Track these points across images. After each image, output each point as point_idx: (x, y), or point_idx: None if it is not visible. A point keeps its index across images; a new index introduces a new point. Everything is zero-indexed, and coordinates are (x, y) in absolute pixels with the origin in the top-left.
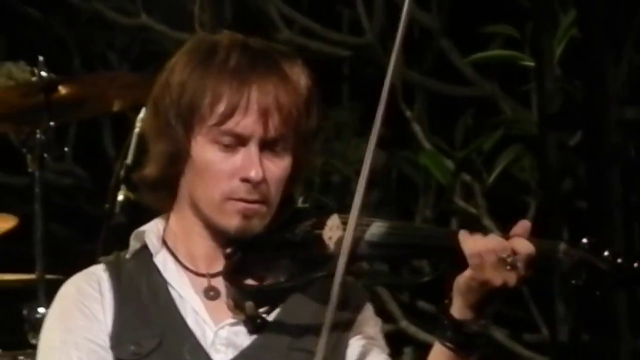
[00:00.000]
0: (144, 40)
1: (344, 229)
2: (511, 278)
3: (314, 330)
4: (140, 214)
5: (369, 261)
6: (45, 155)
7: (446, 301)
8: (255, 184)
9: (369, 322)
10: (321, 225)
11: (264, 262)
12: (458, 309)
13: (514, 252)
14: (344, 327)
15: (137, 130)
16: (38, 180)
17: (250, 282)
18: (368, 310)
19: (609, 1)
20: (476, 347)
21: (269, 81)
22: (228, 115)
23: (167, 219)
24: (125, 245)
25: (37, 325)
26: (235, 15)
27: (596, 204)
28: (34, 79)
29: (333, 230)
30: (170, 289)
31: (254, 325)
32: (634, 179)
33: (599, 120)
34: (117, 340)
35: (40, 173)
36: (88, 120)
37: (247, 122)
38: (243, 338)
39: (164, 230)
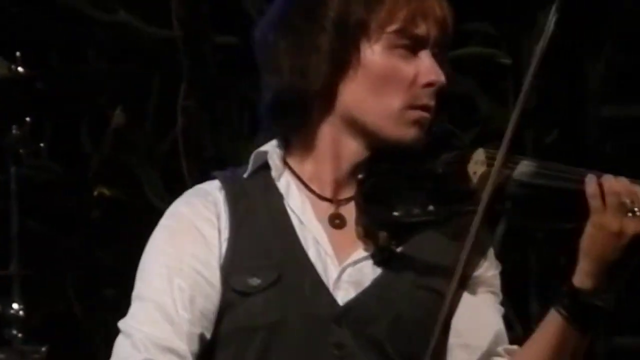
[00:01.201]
0: (121, 36)
1: (489, 164)
2: (631, 225)
3: (442, 268)
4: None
5: (514, 201)
6: (21, 151)
7: (570, 266)
8: (437, 89)
9: (491, 267)
10: (466, 158)
11: (400, 190)
12: (580, 275)
13: (638, 198)
14: (472, 269)
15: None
16: (14, 176)
17: (382, 210)
18: (491, 255)
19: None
20: (593, 324)
21: None
22: (411, 18)
23: (287, 141)
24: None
25: (11, 320)
26: (212, 9)
27: None
28: (10, 74)
29: (478, 165)
30: (291, 214)
31: (382, 257)
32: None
33: (577, 117)
34: (232, 268)
35: (16, 169)
36: (65, 116)
37: (427, 24)
38: (367, 274)
39: (287, 150)
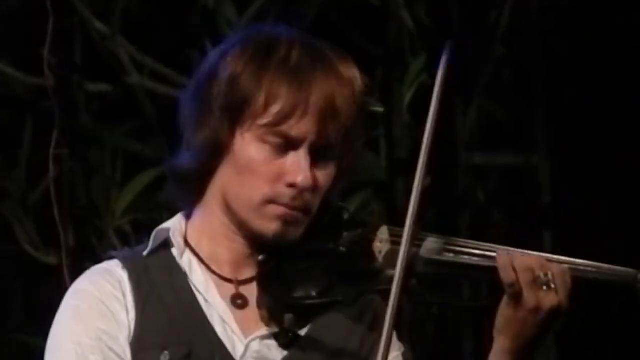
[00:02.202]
0: None
1: (393, 242)
2: (547, 300)
3: (348, 350)
4: None
5: (422, 280)
6: None
7: (486, 344)
8: (301, 191)
9: (394, 348)
10: (370, 236)
11: (302, 271)
12: (498, 355)
13: (551, 273)
14: (373, 345)
15: None
16: None
17: (286, 292)
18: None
19: (459, 47)
20: None
21: (329, 85)
22: (284, 116)
23: (188, 217)
24: None
25: None
26: (85, 58)
27: None
28: None
29: (383, 243)
30: (196, 293)
31: (287, 338)
32: (483, 224)
33: (448, 165)
34: (141, 345)
35: None
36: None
37: (301, 126)
38: (275, 352)
39: (187, 228)
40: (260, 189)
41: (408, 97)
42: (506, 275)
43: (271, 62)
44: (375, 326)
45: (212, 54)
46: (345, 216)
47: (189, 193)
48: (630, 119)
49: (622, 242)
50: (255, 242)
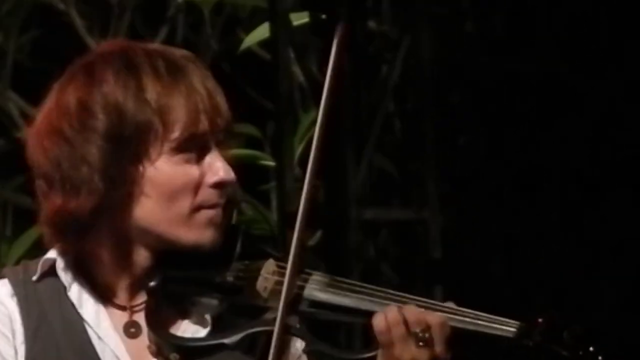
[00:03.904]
0: None
1: (279, 276)
2: (423, 353)
3: None
4: None
5: (306, 322)
6: None
7: None
8: (225, 186)
9: None
10: (256, 271)
11: (192, 299)
12: None
13: (427, 326)
14: None
15: None
16: None
17: (175, 322)
18: None
19: (351, 101)
20: None
21: (201, 79)
22: (184, 120)
23: (77, 247)
24: None
25: None
26: None
27: None
28: None
29: (268, 279)
30: (87, 327)
31: None
32: (374, 279)
33: (339, 220)
34: None
35: None
36: None
37: (203, 121)
38: None
39: (77, 258)
40: (185, 201)
41: (299, 150)
42: (379, 333)
43: (145, 77)
44: None
45: (71, 85)
46: (240, 235)
47: (78, 232)
48: (522, 172)
49: (513, 295)
50: (147, 267)
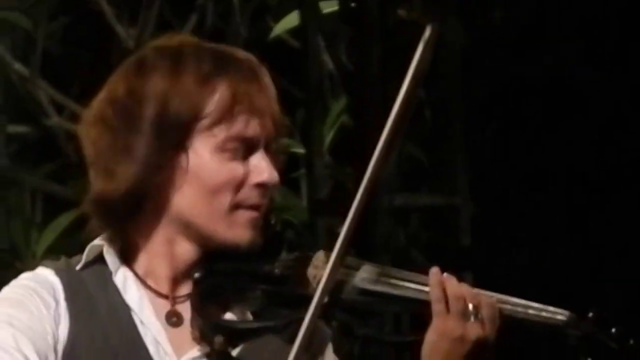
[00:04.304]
0: None
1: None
2: (473, 331)
3: None
4: None
5: (352, 308)
6: None
7: None
8: (268, 189)
9: None
10: (306, 261)
11: (236, 291)
12: None
13: (480, 304)
14: None
15: None
16: None
17: (219, 312)
18: (329, 353)
19: (380, 88)
20: None
21: (258, 80)
22: (239, 121)
23: (122, 236)
24: None
25: None
26: (5, 101)
27: None
28: None
29: (318, 269)
30: (131, 312)
31: (218, 359)
32: (404, 265)
33: (369, 207)
34: (71, 356)
35: None
36: None
37: (253, 124)
38: None
39: (122, 246)
40: (226, 197)
41: (329, 138)
42: (437, 302)
43: (201, 74)
44: (314, 354)
45: (122, 76)
46: (287, 234)
47: (121, 217)
48: (551, 159)
49: (541, 283)
50: (192, 260)
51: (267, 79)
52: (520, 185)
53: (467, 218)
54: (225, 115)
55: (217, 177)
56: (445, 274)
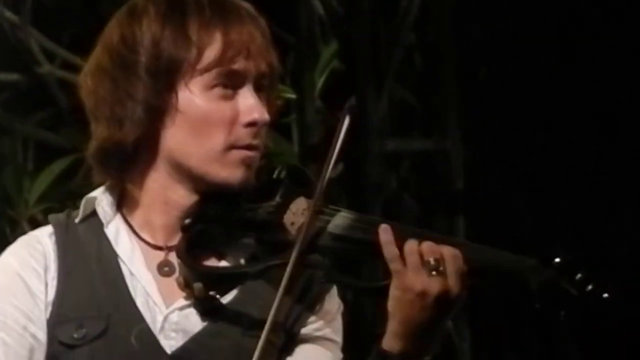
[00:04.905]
0: None
1: (308, 212)
2: (436, 284)
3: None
4: None
5: (327, 254)
6: None
7: (380, 330)
8: (260, 127)
9: (325, 317)
10: (285, 207)
11: (223, 238)
12: (388, 338)
13: (441, 257)
14: (297, 318)
15: None
16: None
17: (206, 259)
18: (328, 303)
19: (371, 33)
20: None
21: (248, 20)
22: (221, 56)
23: (119, 186)
24: None
25: None
26: None
27: None
28: None
29: (297, 216)
30: (121, 263)
31: (204, 307)
32: (396, 211)
33: (361, 152)
34: (58, 319)
35: None
36: None
37: (245, 60)
38: (194, 322)
39: (119, 197)
40: (219, 137)
41: (320, 83)
42: (389, 254)
43: (190, 13)
44: (297, 298)
45: (115, 24)
46: (274, 175)
47: (118, 168)
48: (543, 102)
49: (533, 226)
50: (187, 205)
51: (262, 26)
52: (512, 128)
53: (459, 162)
54: (209, 52)
55: (208, 117)
56: (399, 230)
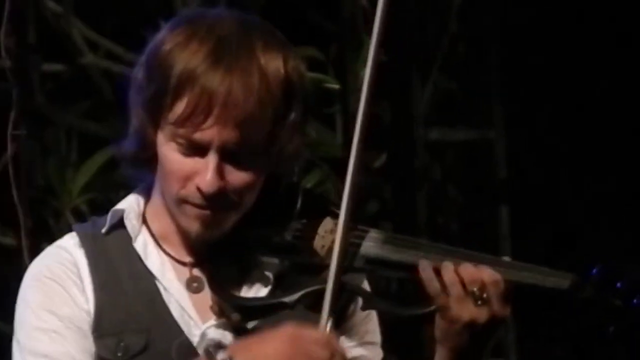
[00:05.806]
0: None
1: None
2: (483, 313)
3: None
4: None
5: (362, 277)
6: None
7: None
8: (209, 195)
9: (363, 326)
10: (314, 230)
11: (250, 261)
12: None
13: (483, 284)
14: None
15: None
16: None
17: (236, 284)
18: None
19: (415, 23)
20: None
21: (237, 84)
22: (186, 118)
23: (147, 194)
24: None
25: None
26: (39, 39)
27: (402, 226)
28: None
29: (326, 238)
30: (153, 278)
31: (238, 332)
32: (440, 200)
33: (405, 141)
34: (99, 331)
35: None
36: None
37: (205, 130)
38: (229, 339)
39: (145, 206)
40: (174, 188)
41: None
42: (432, 291)
43: (183, 59)
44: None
45: (153, 41)
46: (300, 194)
47: (141, 174)
48: (588, 93)
49: (577, 216)
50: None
51: (263, 72)
52: (556, 117)
53: (502, 152)
54: (182, 119)
55: (164, 164)
56: (444, 263)
